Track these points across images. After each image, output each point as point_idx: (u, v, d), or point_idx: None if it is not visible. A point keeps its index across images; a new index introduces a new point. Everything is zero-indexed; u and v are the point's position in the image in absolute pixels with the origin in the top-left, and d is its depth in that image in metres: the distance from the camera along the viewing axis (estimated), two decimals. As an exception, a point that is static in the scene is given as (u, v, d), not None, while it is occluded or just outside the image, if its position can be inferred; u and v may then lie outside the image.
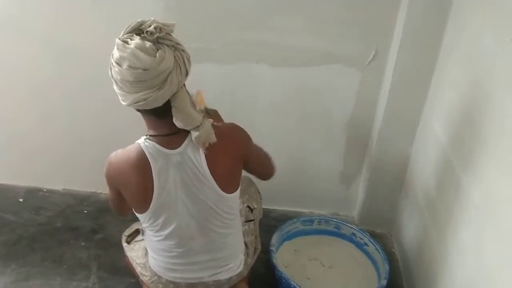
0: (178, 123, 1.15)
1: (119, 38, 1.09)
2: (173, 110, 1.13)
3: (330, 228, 2.01)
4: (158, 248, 1.37)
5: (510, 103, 1.19)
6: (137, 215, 1.32)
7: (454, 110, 1.57)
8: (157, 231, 1.32)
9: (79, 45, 1.97)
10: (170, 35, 1.10)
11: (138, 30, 1.09)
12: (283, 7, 1.81)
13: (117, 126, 2.07)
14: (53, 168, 2.32)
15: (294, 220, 1.97)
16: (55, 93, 2.10)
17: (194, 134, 1.16)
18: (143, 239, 1.52)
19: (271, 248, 1.77)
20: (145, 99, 1.08)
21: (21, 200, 2.29)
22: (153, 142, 1.20)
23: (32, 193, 2.33)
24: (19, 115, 2.18)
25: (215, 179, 1.23)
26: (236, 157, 1.30)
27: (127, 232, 1.66)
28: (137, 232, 1.63)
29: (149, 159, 1.19)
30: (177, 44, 1.11)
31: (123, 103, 1.13)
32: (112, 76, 1.12)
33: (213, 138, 1.18)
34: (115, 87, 1.13)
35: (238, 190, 1.34)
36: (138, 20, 1.10)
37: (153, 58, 1.04)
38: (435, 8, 1.66)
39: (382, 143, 1.98)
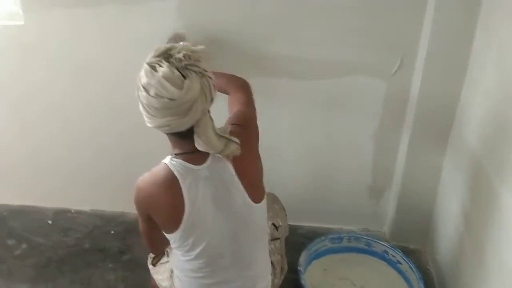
0: (199, 147, 1.15)
1: (147, 62, 1.10)
2: (195, 134, 1.14)
3: (361, 246, 1.94)
4: (186, 268, 1.35)
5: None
6: (167, 235, 1.29)
7: (488, 119, 1.49)
8: (187, 250, 1.29)
9: (104, 68, 2.00)
10: (198, 61, 1.11)
11: (167, 55, 1.09)
12: (303, 18, 1.77)
13: (142, 146, 2.08)
14: (81, 189, 2.34)
15: (323, 238, 1.91)
16: (82, 120, 2.14)
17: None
18: (168, 261, 1.50)
19: (299, 268, 1.72)
20: (169, 125, 1.10)
21: (49, 222, 2.32)
22: (180, 160, 1.19)
23: (60, 214, 2.36)
24: (50, 143, 2.23)
25: (244, 187, 1.23)
26: (254, 144, 1.30)
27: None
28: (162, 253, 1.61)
29: (178, 177, 1.19)
30: (205, 71, 1.12)
31: (148, 125, 1.15)
32: (138, 97, 1.13)
33: (237, 153, 1.17)
34: (141, 108, 1.14)
35: (265, 199, 1.32)
36: (168, 45, 1.11)
37: (180, 90, 1.06)
38: (463, 13, 1.59)
39: (412, 153, 1.90)
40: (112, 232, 2.23)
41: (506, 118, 1.35)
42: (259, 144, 1.33)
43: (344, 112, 1.94)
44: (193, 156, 1.19)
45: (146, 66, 1.09)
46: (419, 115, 1.81)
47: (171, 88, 1.05)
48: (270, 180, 1.94)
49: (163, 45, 1.11)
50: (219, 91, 1.42)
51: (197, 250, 1.27)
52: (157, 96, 1.07)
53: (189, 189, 1.19)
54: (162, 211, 1.23)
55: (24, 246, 2.16)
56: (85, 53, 1.98)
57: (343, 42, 1.79)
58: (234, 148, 1.17)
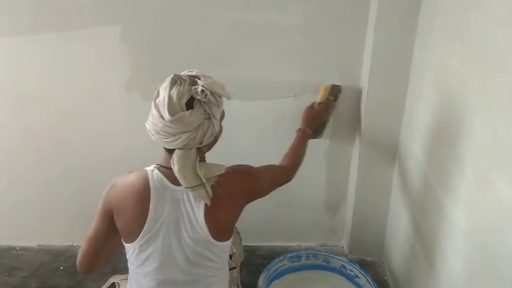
0: (174, 170, 1.14)
1: (175, 74, 1.12)
2: (171, 159, 1.14)
3: (319, 262, 1.94)
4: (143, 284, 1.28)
5: (482, 125, 1.17)
6: (124, 244, 1.25)
7: (429, 132, 1.56)
8: (138, 266, 1.24)
9: (47, 98, 1.92)
10: (213, 104, 1.13)
11: (194, 80, 1.12)
12: (248, 39, 1.79)
13: (91, 179, 2.01)
14: (26, 224, 2.21)
15: (281, 257, 1.90)
16: (25, 154, 2.05)
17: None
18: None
19: (259, 290, 1.69)
20: (153, 134, 1.14)
21: (-8, 261, 2.16)
22: (161, 174, 1.19)
23: (4, 252, 2.21)
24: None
25: (209, 228, 1.20)
26: (240, 203, 1.27)
27: (104, 287, 1.58)
28: (113, 286, 1.56)
29: (151, 191, 1.18)
30: (214, 117, 1.14)
31: (146, 124, 1.16)
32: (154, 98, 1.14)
33: (207, 201, 1.17)
34: (152, 105, 1.14)
35: (231, 239, 1.30)
36: (200, 74, 1.15)
37: (171, 116, 1.08)
38: (402, 32, 1.67)
39: (363, 168, 1.95)
40: (61, 267, 2.11)
41: (444, 132, 1.42)
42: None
43: (295, 130, 1.96)
44: (175, 175, 1.17)
45: (172, 76, 1.12)
46: (367, 128, 1.86)
47: (166, 110, 1.08)
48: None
49: (200, 71, 1.16)
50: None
51: (149, 269, 1.23)
52: (157, 106, 1.11)
53: (156, 205, 1.18)
54: (126, 215, 1.20)
55: (-37, 290, 2.00)
56: (26, 83, 1.90)
57: (289, 62, 1.83)
58: (203, 194, 1.16)
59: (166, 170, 1.19)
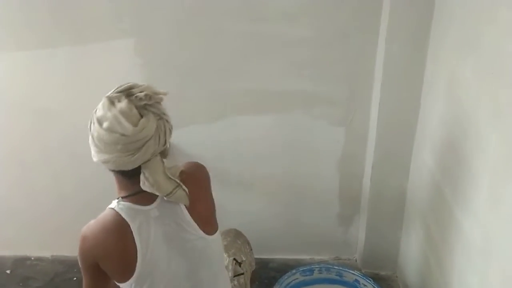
0: (145, 187, 1.11)
1: (106, 96, 1.08)
2: (142, 175, 1.10)
3: (332, 276, 1.91)
4: None
5: (497, 139, 1.15)
6: (120, 284, 1.20)
7: (443, 145, 1.53)
8: None
9: (63, 112, 1.96)
10: (159, 103, 1.10)
11: (128, 92, 1.08)
12: (260, 52, 1.80)
13: (104, 191, 2.02)
14: (41, 235, 2.23)
15: (293, 271, 1.87)
16: (42, 167, 2.08)
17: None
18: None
19: (270, 304, 1.67)
20: (114, 161, 1.07)
21: (8, 271, 2.19)
22: (127, 203, 1.14)
23: (19, 262, 2.24)
24: (8, 190, 2.15)
25: (196, 222, 1.19)
26: (208, 191, 1.28)
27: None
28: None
29: (127, 220, 1.13)
30: (163, 114, 1.11)
31: (93, 158, 1.11)
32: (90, 129, 1.10)
33: (186, 202, 1.15)
34: (90, 140, 1.10)
35: (219, 231, 1.29)
36: (131, 83, 1.10)
37: (134, 127, 1.04)
38: (413, 45, 1.65)
39: (376, 180, 1.92)
40: (75, 278, 2.13)
41: (459, 145, 1.39)
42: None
43: (307, 142, 1.96)
44: (141, 196, 1.14)
45: (105, 99, 1.07)
46: (380, 140, 1.84)
47: (125, 123, 1.03)
48: (240, 217, 1.93)
49: (126, 82, 1.10)
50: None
51: None
52: (110, 130, 1.04)
53: (139, 231, 1.14)
54: (112, 259, 1.15)
55: (-21, 299, 2.04)
56: (41, 96, 1.94)
57: (300, 75, 1.83)
58: (182, 195, 1.14)
59: (131, 198, 1.16)
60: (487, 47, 1.21)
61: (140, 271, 1.16)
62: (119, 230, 1.13)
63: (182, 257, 1.21)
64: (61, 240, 2.23)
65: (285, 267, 2.05)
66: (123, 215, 1.13)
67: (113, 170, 1.13)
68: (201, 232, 1.20)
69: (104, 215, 1.16)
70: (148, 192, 1.13)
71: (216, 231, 1.26)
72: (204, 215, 1.22)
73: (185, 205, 1.17)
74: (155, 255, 1.17)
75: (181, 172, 1.17)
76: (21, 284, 2.11)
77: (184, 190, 1.14)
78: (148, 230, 1.15)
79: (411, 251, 1.89)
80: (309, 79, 1.83)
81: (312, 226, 2.15)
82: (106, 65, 1.86)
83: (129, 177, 1.13)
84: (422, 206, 1.74)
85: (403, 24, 1.62)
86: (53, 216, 2.18)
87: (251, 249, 1.70)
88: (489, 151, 1.19)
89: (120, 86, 1.09)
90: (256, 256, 1.77)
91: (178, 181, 1.13)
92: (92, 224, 1.16)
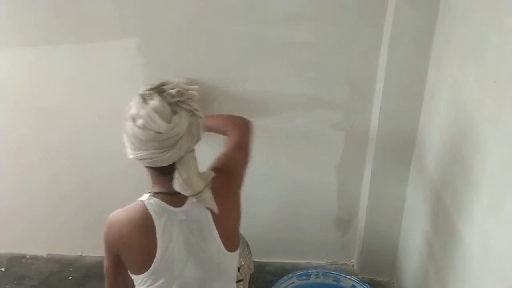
0: (176, 186, 1.12)
1: (139, 93, 1.10)
2: (175, 172, 1.11)
3: (329, 281, 1.91)
4: None
5: (498, 147, 1.15)
6: (134, 276, 1.23)
7: (444, 152, 1.53)
8: None
9: (65, 111, 1.95)
10: (190, 99, 1.11)
11: (160, 89, 1.10)
12: (262, 55, 1.80)
13: (101, 190, 2.03)
14: (38, 234, 2.22)
15: (290, 275, 1.87)
16: (34, 155, 2.06)
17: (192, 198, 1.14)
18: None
19: (267, 308, 1.66)
20: (151, 158, 1.09)
21: (2, 269, 2.17)
22: (158, 200, 1.17)
23: (14, 261, 2.22)
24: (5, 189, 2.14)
25: (220, 235, 1.20)
26: (238, 195, 1.28)
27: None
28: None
29: (153, 217, 1.15)
30: (196, 110, 1.12)
31: (130, 156, 1.12)
32: (124, 127, 1.12)
33: (213, 207, 1.15)
34: (124, 138, 1.13)
35: (239, 249, 1.29)
36: (162, 80, 1.12)
37: (168, 124, 1.05)
38: (416, 50, 1.65)
39: (375, 185, 1.92)
40: (70, 278, 2.11)
41: (459, 152, 1.39)
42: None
43: (307, 145, 1.95)
44: (172, 197, 1.16)
45: (138, 96, 1.09)
46: (380, 145, 1.84)
47: (159, 120, 1.05)
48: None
49: (159, 79, 1.12)
50: (217, 133, 1.46)
51: None
52: (144, 127, 1.06)
53: (163, 231, 1.16)
54: (132, 251, 1.18)
55: (-28, 297, 2.02)
56: (45, 94, 1.93)
57: (302, 78, 1.83)
58: (210, 197, 1.14)
59: (162, 195, 1.17)
60: (491, 54, 1.21)
61: (155, 269, 1.18)
62: (144, 225, 1.16)
63: (197, 267, 1.22)
64: (58, 239, 2.23)
65: (281, 271, 2.04)
66: (151, 212, 1.15)
67: (148, 166, 1.14)
68: (222, 247, 1.21)
69: (133, 207, 1.18)
70: (179, 195, 1.15)
71: (236, 248, 1.27)
72: (229, 231, 1.23)
73: (212, 218, 1.18)
74: (172, 257, 1.18)
75: (212, 179, 1.18)
76: (15, 282, 2.09)
77: (209, 192, 1.14)
78: (171, 232, 1.17)
79: (409, 257, 1.89)
80: (310, 83, 1.83)
81: (309, 230, 2.14)
82: (108, 64, 1.85)
83: (163, 174, 1.14)
84: (420, 212, 1.74)
85: (407, 29, 1.62)
86: (51, 215, 2.17)
87: (250, 252, 1.69)
88: (490, 158, 1.19)
89: (152, 83, 1.12)
90: (253, 259, 1.76)
91: (207, 182, 1.14)
92: (120, 213, 1.18)
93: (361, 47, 1.76)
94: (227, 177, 1.25)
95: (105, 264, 1.27)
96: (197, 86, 1.13)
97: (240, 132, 1.48)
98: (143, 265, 1.18)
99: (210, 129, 1.50)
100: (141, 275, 1.19)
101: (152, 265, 1.17)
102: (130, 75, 1.85)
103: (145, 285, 1.21)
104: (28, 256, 2.25)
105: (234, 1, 1.71)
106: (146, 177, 1.23)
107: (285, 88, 1.85)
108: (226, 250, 1.22)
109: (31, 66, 1.89)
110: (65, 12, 1.77)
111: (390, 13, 1.63)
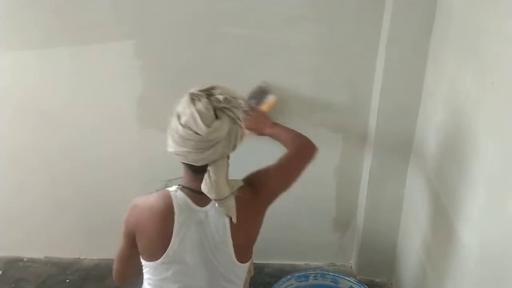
0: (204, 187, 1.15)
1: (189, 92, 1.14)
2: (207, 173, 1.14)
3: (327, 283, 1.90)
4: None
5: (495, 147, 1.15)
6: (144, 262, 1.25)
7: (441, 152, 1.54)
8: (161, 279, 1.23)
9: (55, 108, 1.94)
10: (236, 108, 1.15)
11: (210, 93, 1.13)
12: (261, 57, 1.80)
13: (100, 195, 2.02)
14: (35, 237, 2.21)
15: (288, 276, 1.86)
16: (33, 159, 2.06)
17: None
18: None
19: (265, 310, 1.66)
20: (185, 155, 1.13)
21: (0, 272, 2.16)
22: (184, 195, 1.19)
23: (12, 264, 2.21)
24: (4, 193, 2.13)
25: (234, 246, 1.21)
26: (262, 213, 1.29)
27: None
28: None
29: (175, 210, 1.18)
30: (238, 119, 1.15)
31: (169, 149, 1.16)
32: (170, 120, 1.15)
33: (233, 215, 1.17)
34: (168, 131, 1.16)
35: (251, 260, 1.31)
36: (213, 84, 1.15)
37: (208, 128, 1.09)
38: (413, 52, 1.66)
39: (373, 186, 1.92)
40: (67, 280, 2.10)
41: (456, 152, 1.39)
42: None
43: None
44: (198, 196, 1.18)
45: (187, 95, 1.13)
46: (378, 147, 1.84)
47: (200, 123, 1.08)
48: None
49: (210, 83, 1.16)
50: (280, 143, 1.49)
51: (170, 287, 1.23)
52: (185, 126, 1.10)
53: (181, 226, 1.18)
54: (148, 237, 1.20)
55: (-31, 301, 2.01)
56: (44, 98, 1.92)
57: (301, 80, 1.83)
58: (232, 205, 1.16)
59: (190, 191, 1.20)
60: (487, 55, 1.21)
61: (165, 261, 1.20)
62: (165, 216, 1.18)
63: (205, 270, 1.23)
64: (55, 242, 2.22)
65: (280, 273, 2.04)
66: (174, 204, 1.18)
67: (183, 162, 1.18)
68: (233, 257, 1.22)
69: (159, 195, 1.21)
70: (205, 196, 1.17)
71: (248, 261, 1.28)
72: (243, 244, 1.24)
73: (230, 227, 1.19)
74: (185, 254, 1.20)
75: (239, 188, 1.20)
76: (13, 285, 2.08)
77: (232, 204, 1.16)
78: (188, 229, 1.19)
79: (407, 258, 1.89)
80: (308, 84, 1.83)
81: (308, 232, 2.14)
82: (106, 67, 1.85)
83: (195, 172, 1.17)
84: (419, 213, 1.74)
85: (404, 31, 1.63)
86: (50, 219, 2.16)
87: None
88: (487, 159, 1.19)
89: (204, 85, 1.16)
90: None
91: (233, 191, 1.16)
92: (144, 198, 1.23)
93: (359, 49, 1.76)
94: (256, 193, 1.25)
95: (120, 247, 1.30)
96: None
97: (296, 154, 1.46)
98: (155, 253, 1.20)
99: (273, 137, 1.56)
100: (152, 262, 1.21)
101: (163, 256, 1.19)
102: (128, 77, 1.85)
103: (154, 273, 1.23)
104: (25, 259, 2.24)
105: (233, 4, 1.72)
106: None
107: (283, 90, 1.84)
108: (236, 261, 1.23)
109: (29, 69, 1.88)
110: (64, 14, 1.78)
111: (388, 14, 1.64)
